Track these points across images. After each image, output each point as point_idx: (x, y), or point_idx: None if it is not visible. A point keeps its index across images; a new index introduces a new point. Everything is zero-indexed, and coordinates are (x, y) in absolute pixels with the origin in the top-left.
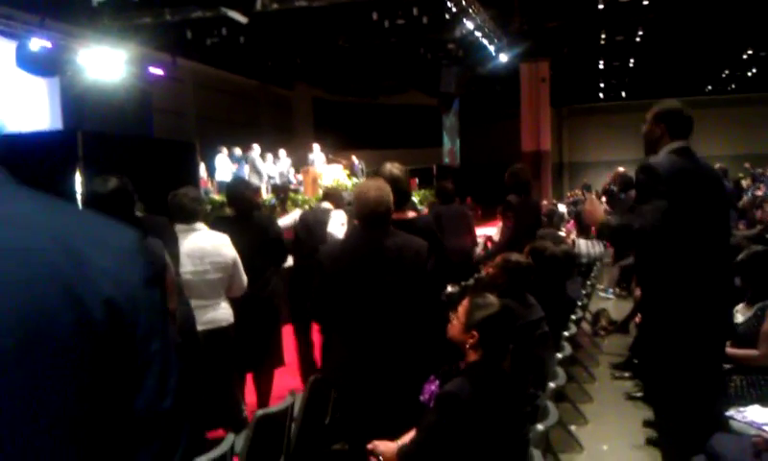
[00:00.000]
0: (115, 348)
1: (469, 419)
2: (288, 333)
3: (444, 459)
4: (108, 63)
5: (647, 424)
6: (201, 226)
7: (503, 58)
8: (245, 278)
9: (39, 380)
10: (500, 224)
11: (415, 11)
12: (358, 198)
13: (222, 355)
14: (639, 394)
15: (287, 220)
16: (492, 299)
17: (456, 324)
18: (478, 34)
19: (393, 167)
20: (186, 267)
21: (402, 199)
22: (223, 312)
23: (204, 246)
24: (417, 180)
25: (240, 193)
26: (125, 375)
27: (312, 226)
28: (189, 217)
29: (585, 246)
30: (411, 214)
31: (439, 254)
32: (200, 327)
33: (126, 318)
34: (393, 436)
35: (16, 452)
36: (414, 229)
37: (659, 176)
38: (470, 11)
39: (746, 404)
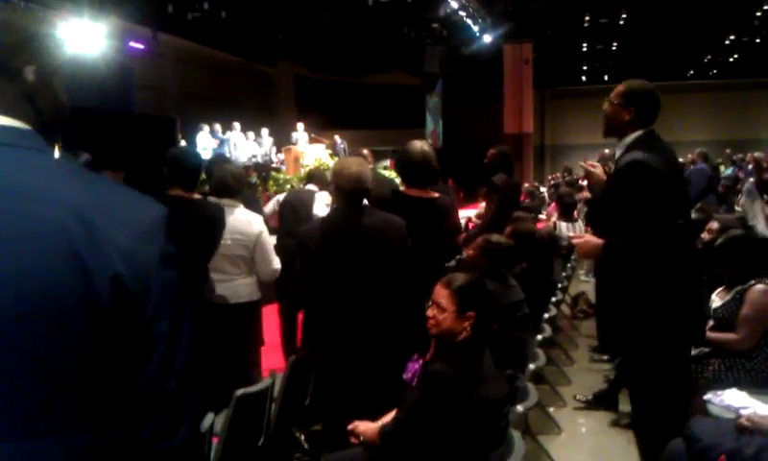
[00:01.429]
0: (119, 324)
1: (452, 398)
2: (271, 312)
3: (427, 438)
4: (87, 37)
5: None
6: (239, 205)
7: (487, 38)
8: (275, 260)
9: (42, 344)
10: (481, 205)
11: None
12: (339, 173)
13: (233, 331)
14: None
15: (270, 206)
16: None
17: (433, 307)
18: (462, 13)
19: (424, 144)
20: None
21: (430, 176)
22: (240, 289)
23: (232, 222)
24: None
25: (221, 172)
26: (127, 352)
27: (297, 207)
28: (229, 192)
29: (566, 229)
30: (435, 194)
31: (456, 234)
32: (215, 301)
33: (134, 297)
34: (374, 416)
35: (17, 412)
36: (435, 207)
37: (658, 174)
38: None
39: (723, 388)
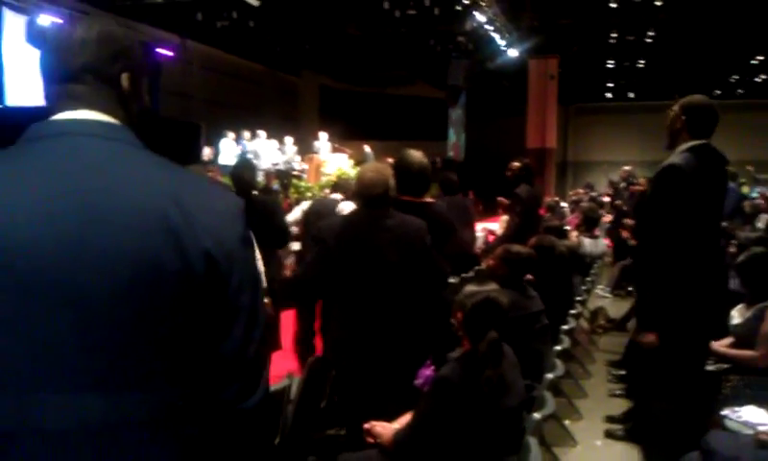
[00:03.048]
0: (210, 295)
1: (463, 404)
2: (287, 318)
3: (439, 444)
4: None
5: (609, 419)
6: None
7: (512, 53)
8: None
9: (144, 314)
10: (502, 218)
11: (426, 1)
12: (358, 180)
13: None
14: (619, 391)
15: (295, 213)
16: (484, 288)
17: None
18: (489, 27)
19: (422, 155)
20: None
21: (425, 185)
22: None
23: None
24: None
25: (239, 173)
26: (216, 320)
27: (322, 213)
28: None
29: (588, 245)
30: (429, 200)
31: (448, 240)
32: None
33: (222, 271)
34: (390, 418)
35: (115, 367)
36: (429, 212)
37: (687, 178)
38: (482, 3)
39: (741, 405)
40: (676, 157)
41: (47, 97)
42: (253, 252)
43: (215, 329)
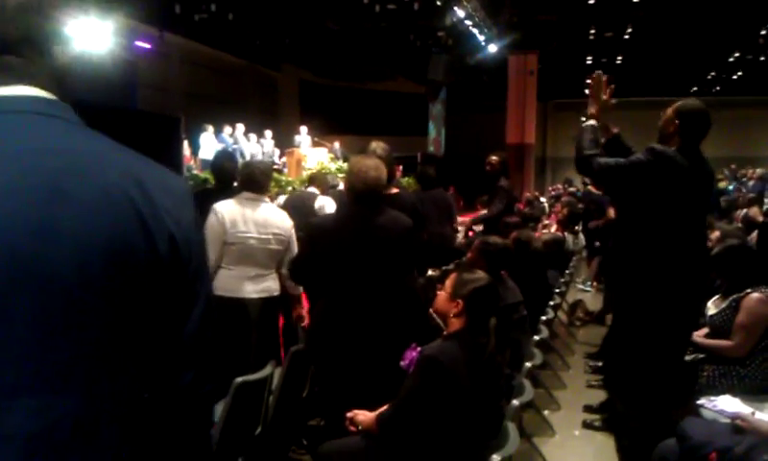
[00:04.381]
0: (173, 279)
1: (449, 383)
2: None
3: (423, 424)
4: (94, 34)
5: (587, 409)
6: (266, 199)
7: (492, 48)
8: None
9: (115, 302)
10: (481, 212)
11: None
12: (357, 174)
13: (272, 322)
14: (595, 382)
15: None
16: (480, 273)
17: (442, 295)
18: (468, 23)
19: (378, 146)
20: (252, 233)
21: (392, 176)
22: (276, 283)
23: (268, 217)
24: (401, 167)
25: (220, 165)
26: (178, 304)
27: (299, 207)
28: (259, 188)
29: (570, 240)
30: (395, 190)
31: (419, 230)
32: (256, 295)
33: (182, 256)
34: (372, 407)
35: (87, 362)
36: (397, 204)
37: (677, 166)
38: None
39: (717, 394)
40: (667, 148)
41: None
42: (203, 236)
43: (177, 315)
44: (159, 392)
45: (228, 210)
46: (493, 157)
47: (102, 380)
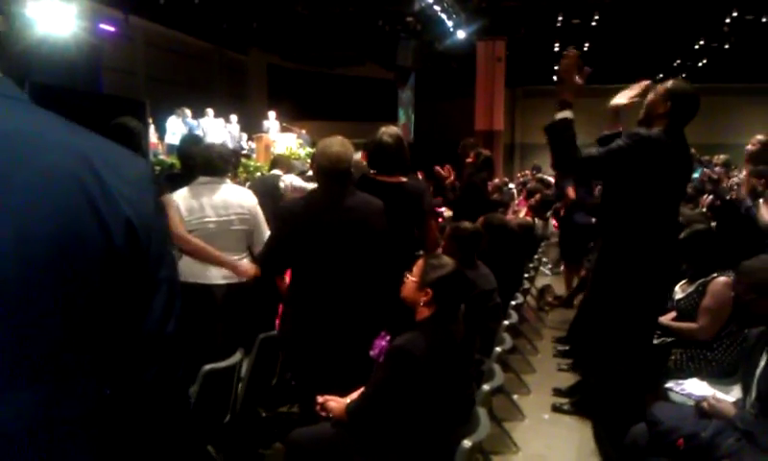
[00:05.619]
0: (131, 268)
1: (420, 374)
2: None
3: (393, 413)
4: (57, 16)
5: (557, 392)
6: (226, 181)
7: (461, 34)
8: (268, 232)
9: (67, 295)
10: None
11: None
12: (321, 152)
13: (241, 310)
14: (565, 366)
15: None
16: (446, 259)
17: (410, 282)
18: (437, 8)
19: (388, 131)
20: (210, 217)
21: (402, 166)
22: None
23: (227, 198)
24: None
25: (187, 149)
26: (137, 295)
27: (261, 192)
28: (216, 171)
29: (540, 227)
30: (403, 179)
31: (424, 219)
32: (222, 281)
33: (141, 242)
34: (343, 393)
35: (37, 360)
36: (405, 191)
37: (661, 147)
38: None
39: (685, 377)
40: (651, 131)
41: None
42: (167, 220)
43: (136, 306)
44: (122, 388)
45: (182, 197)
46: (484, 151)
47: (55, 378)
